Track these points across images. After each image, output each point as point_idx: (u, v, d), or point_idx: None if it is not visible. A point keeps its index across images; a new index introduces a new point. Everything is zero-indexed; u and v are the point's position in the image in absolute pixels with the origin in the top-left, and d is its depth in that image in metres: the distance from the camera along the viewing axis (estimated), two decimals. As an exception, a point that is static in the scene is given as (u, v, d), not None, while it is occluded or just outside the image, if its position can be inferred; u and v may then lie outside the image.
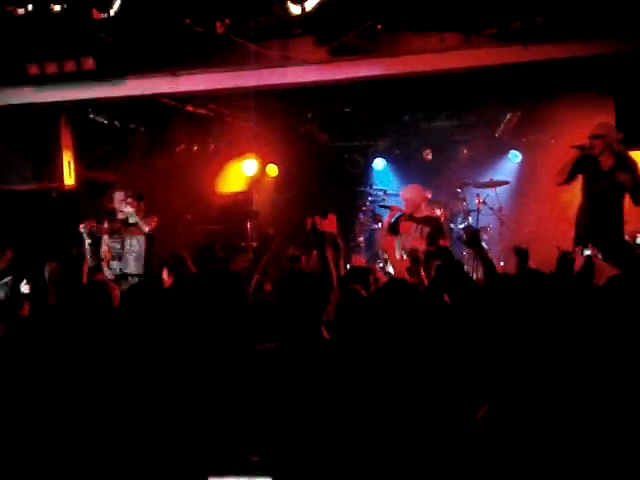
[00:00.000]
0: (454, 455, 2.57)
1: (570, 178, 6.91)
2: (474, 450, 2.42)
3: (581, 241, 6.22)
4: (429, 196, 8.37)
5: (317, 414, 2.82)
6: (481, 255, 4.14)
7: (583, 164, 6.81)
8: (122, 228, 7.80)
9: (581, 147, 6.71)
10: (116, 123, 9.46)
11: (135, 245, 7.75)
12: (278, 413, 2.83)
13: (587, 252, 6.11)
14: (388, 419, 2.85)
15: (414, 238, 7.65)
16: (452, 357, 3.21)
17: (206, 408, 2.82)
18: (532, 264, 4.76)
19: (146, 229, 7.69)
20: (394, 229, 7.36)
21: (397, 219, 7.78)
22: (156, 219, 7.80)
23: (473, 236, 4.29)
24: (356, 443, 2.75)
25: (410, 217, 7.77)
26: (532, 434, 2.36)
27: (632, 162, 6.66)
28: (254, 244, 9.62)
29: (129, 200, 7.70)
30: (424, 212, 7.94)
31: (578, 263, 4.55)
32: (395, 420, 2.86)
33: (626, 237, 7.11)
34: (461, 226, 10.12)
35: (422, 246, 7.37)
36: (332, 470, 2.69)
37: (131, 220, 7.81)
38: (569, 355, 2.91)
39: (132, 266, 7.70)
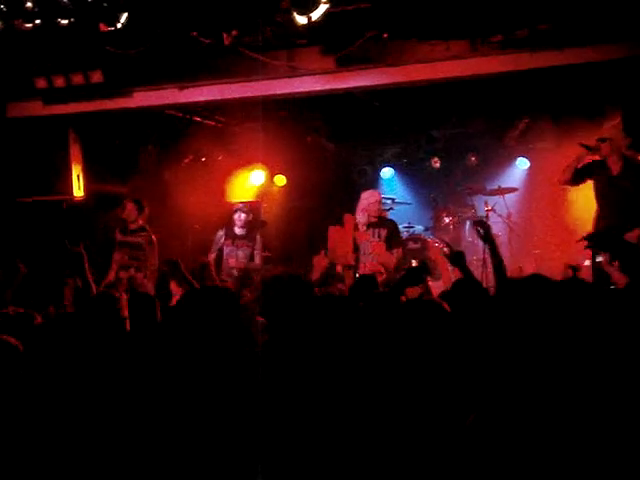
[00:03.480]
0: (446, 457, 2.57)
1: (575, 179, 6.87)
2: (465, 453, 2.41)
3: (593, 245, 6.19)
4: (381, 197, 8.25)
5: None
6: (492, 250, 4.14)
7: (592, 169, 6.78)
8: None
9: (588, 147, 6.69)
10: (124, 136, 9.49)
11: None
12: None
13: (599, 258, 6.08)
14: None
15: (373, 243, 7.62)
16: (452, 360, 3.19)
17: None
18: (540, 271, 4.74)
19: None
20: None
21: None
22: None
23: (486, 230, 4.30)
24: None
25: (368, 225, 7.69)
26: (527, 438, 2.34)
27: None
28: (264, 254, 9.60)
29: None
30: (381, 214, 7.93)
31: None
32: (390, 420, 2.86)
33: None
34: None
35: (383, 249, 7.49)
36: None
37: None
38: (574, 361, 2.88)
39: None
